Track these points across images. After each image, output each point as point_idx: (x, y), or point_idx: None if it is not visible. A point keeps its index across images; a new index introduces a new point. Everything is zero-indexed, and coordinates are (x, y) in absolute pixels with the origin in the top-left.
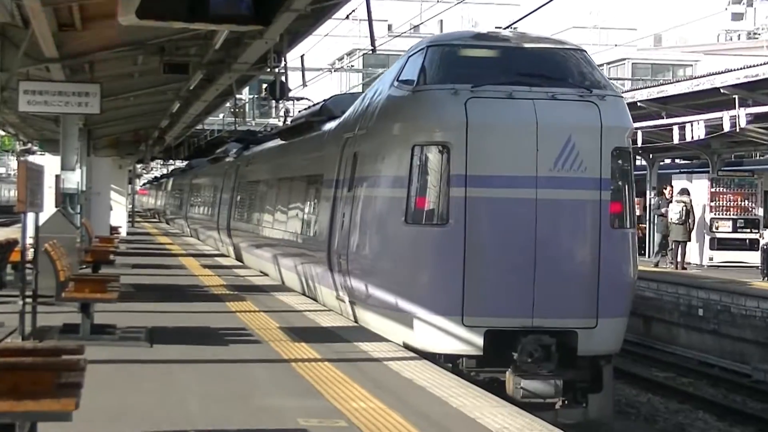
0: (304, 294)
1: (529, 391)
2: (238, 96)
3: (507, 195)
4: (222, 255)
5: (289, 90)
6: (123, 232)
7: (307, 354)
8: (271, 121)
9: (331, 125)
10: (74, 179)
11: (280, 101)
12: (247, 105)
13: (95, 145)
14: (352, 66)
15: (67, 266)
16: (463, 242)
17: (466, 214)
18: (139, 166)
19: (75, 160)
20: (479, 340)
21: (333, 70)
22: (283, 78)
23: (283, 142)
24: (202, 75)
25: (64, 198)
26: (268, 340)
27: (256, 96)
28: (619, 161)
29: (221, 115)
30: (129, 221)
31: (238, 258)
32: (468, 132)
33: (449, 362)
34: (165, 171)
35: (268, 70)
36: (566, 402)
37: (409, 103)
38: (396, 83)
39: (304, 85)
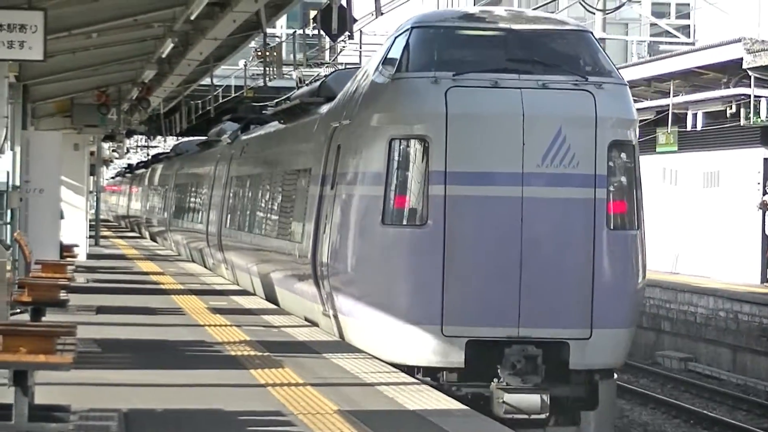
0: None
1: (513, 407)
2: (269, 31)
3: (490, 193)
4: (242, 290)
5: (354, 21)
6: (81, 254)
7: None
8: (323, 72)
9: (325, 109)
10: (0, 168)
11: (339, 39)
12: (284, 46)
13: (35, 112)
14: None
15: None
16: (442, 244)
17: (445, 214)
18: (107, 146)
19: (2, 137)
20: (460, 352)
21: None
22: (343, 1)
23: (281, 126)
24: None
25: None
26: None
27: (298, 31)
28: (619, 156)
29: (242, 63)
30: (91, 236)
31: (234, 279)
32: (448, 124)
33: (428, 376)
34: (150, 153)
35: None
36: (559, 421)
37: (388, 92)
38: (380, 67)
39: (379, 13)
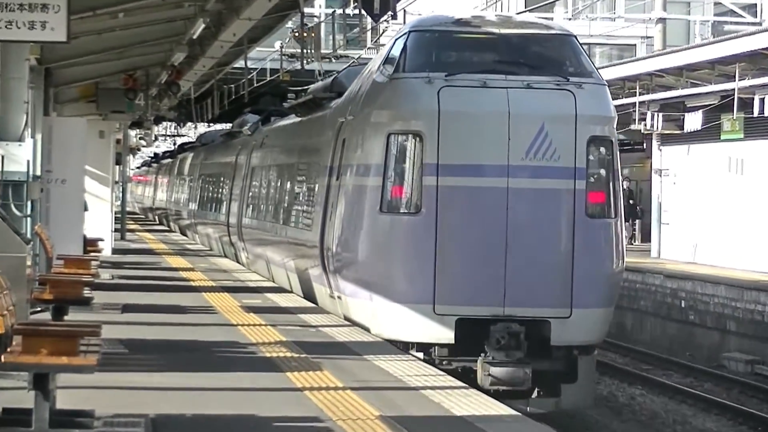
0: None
1: (497, 379)
2: (306, 10)
3: (478, 184)
4: (278, 287)
5: (397, 0)
6: (107, 249)
7: None
8: (364, 55)
9: (335, 105)
10: (21, 157)
11: (381, 19)
12: (322, 27)
13: (58, 97)
14: None
15: (8, 309)
16: (434, 231)
17: (437, 202)
18: (134, 133)
19: (22, 124)
20: (451, 329)
21: None
22: None
23: (297, 119)
24: None
25: (2, 189)
26: None
27: (338, 11)
28: (598, 150)
29: (278, 44)
30: (117, 229)
31: (250, 267)
32: (440, 121)
33: (421, 351)
34: (179, 142)
35: None
36: (541, 393)
37: (387, 91)
38: (381, 67)
39: None
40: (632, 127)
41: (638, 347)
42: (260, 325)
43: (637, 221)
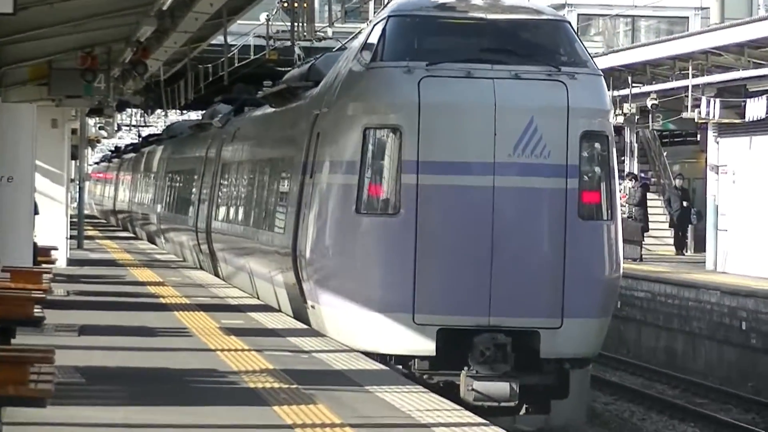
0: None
1: (482, 394)
2: None
3: (461, 183)
4: (263, 305)
5: None
6: (61, 260)
7: None
8: (366, 28)
9: (310, 95)
10: None
11: None
12: None
13: (3, 79)
14: None
15: None
16: (414, 233)
17: (417, 202)
18: (93, 122)
19: None
20: (431, 340)
21: None
22: None
23: (270, 110)
24: None
25: None
26: None
27: None
28: (592, 146)
29: (264, 16)
30: (73, 236)
31: (218, 275)
32: (420, 114)
33: (400, 364)
34: (148, 132)
35: None
36: (530, 409)
37: (363, 81)
38: (358, 55)
39: None
40: (684, 115)
41: (691, 377)
42: (243, 350)
43: (689, 227)
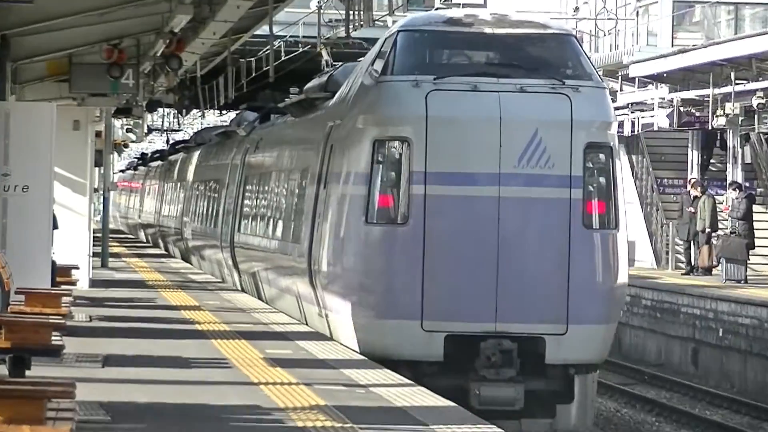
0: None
1: (488, 399)
2: None
3: (468, 193)
4: (313, 331)
5: None
6: (83, 281)
7: None
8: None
9: (327, 106)
10: None
11: None
12: None
13: (19, 75)
14: None
15: None
16: (422, 242)
17: (425, 212)
18: (120, 123)
19: None
20: (440, 346)
21: None
22: None
23: (291, 120)
24: None
25: None
26: None
27: None
28: (596, 157)
29: (314, 4)
30: (97, 253)
31: (249, 291)
32: (428, 127)
33: (409, 369)
34: (183, 135)
35: None
36: (535, 414)
37: (373, 94)
38: (369, 68)
39: None
40: None
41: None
42: (290, 383)
43: None
